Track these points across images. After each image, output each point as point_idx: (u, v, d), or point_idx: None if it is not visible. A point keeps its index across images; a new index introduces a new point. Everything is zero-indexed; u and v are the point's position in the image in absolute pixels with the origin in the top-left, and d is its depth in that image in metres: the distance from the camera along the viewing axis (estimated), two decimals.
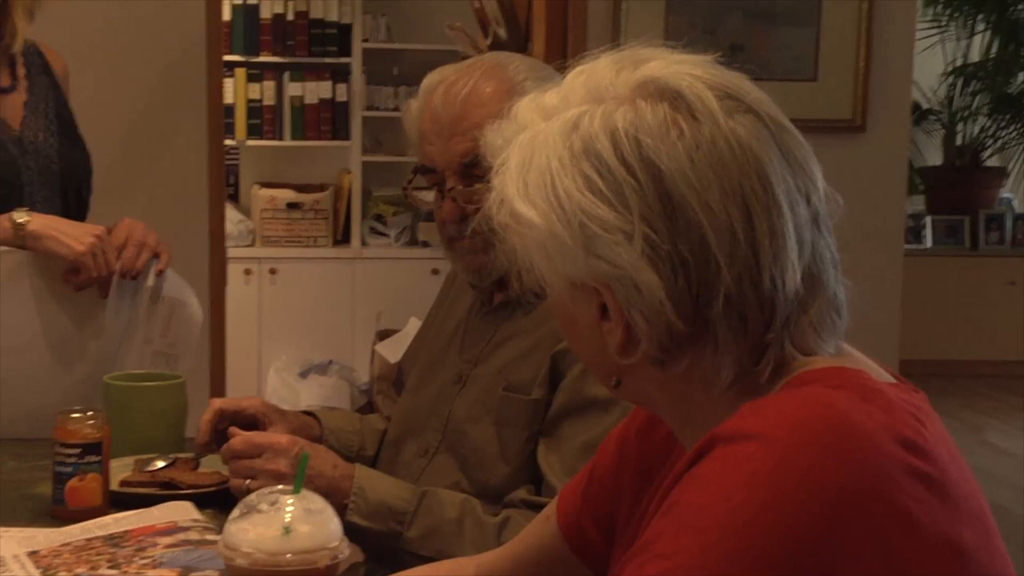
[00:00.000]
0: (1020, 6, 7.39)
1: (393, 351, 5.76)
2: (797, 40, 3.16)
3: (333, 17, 6.06)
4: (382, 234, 6.15)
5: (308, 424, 2.00)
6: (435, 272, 6.00)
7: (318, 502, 1.22)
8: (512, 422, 1.81)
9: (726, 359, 1.07)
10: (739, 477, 0.97)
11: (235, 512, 1.21)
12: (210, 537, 1.56)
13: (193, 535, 1.56)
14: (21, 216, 2.07)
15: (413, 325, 5.85)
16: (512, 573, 1.38)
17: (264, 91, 6.05)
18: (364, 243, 6.12)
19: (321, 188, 6.12)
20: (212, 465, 1.88)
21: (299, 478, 1.23)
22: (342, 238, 6.14)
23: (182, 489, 1.78)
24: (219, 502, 1.76)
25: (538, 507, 1.72)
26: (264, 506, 1.20)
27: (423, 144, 1.85)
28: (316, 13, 6.05)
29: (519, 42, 3.42)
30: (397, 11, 6.16)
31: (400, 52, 6.17)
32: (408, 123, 1.90)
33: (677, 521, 0.98)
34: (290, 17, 6.04)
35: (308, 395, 5.78)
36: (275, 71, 6.05)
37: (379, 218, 6.17)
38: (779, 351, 1.07)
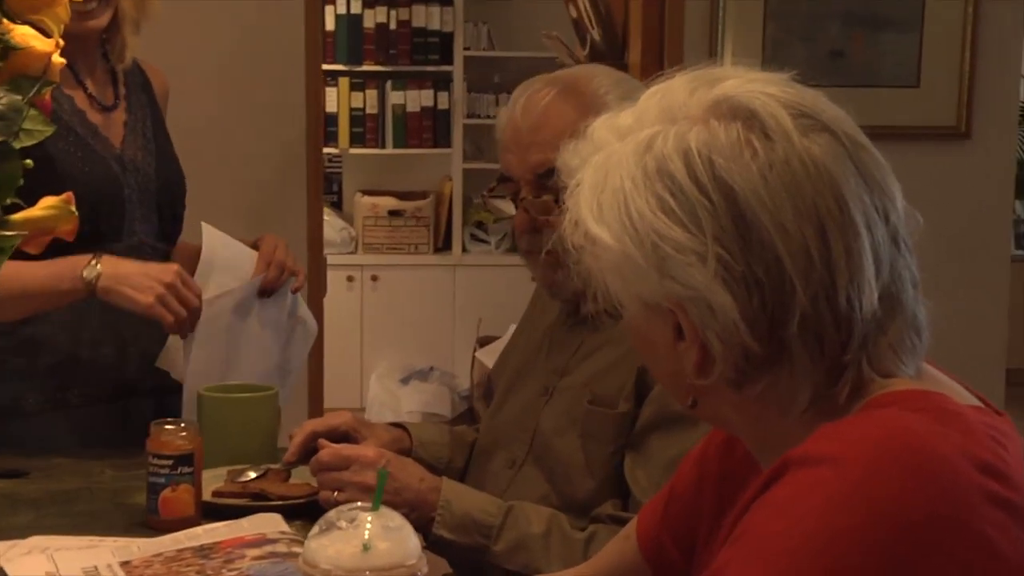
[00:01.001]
0: None
1: (493, 358, 5.76)
2: (899, 45, 3.10)
3: (435, 26, 6.10)
4: (483, 241, 6.17)
5: (398, 437, 2.01)
6: (535, 279, 5.99)
7: (397, 519, 1.22)
8: (598, 435, 1.80)
9: (803, 381, 1.05)
10: (810, 503, 0.95)
11: (315, 528, 1.22)
12: (297, 550, 1.57)
13: (281, 547, 1.58)
14: (90, 271, 2.03)
15: (513, 332, 5.87)
16: None
17: (367, 99, 6.11)
18: (465, 250, 6.15)
19: (423, 195, 6.16)
20: (303, 477, 1.89)
21: (378, 495, 1.23)
22: (443, 245, 6.17)
23: (272, 500, 1.80)
24: (309, 514, 1.77)
25: (624, 522, 1.72)
26: (343, 523, 1.20)
27: (503, 152, 1.87)
28: (418, 22, 6.10)
29: (616, 50, 3.41)
30: (498, 19, 6.18)
31: (501, 60, 6.19)
32: (496, 131, 1.92)
33: (747, 548, 0.97)
34: (393, 26, 6.09)
35: (409, 401, 5.82)
36: (378, 80, 6.10)
37: (480, 225, 6.18)
38: (857, 373, 1.05)
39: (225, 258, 2.20)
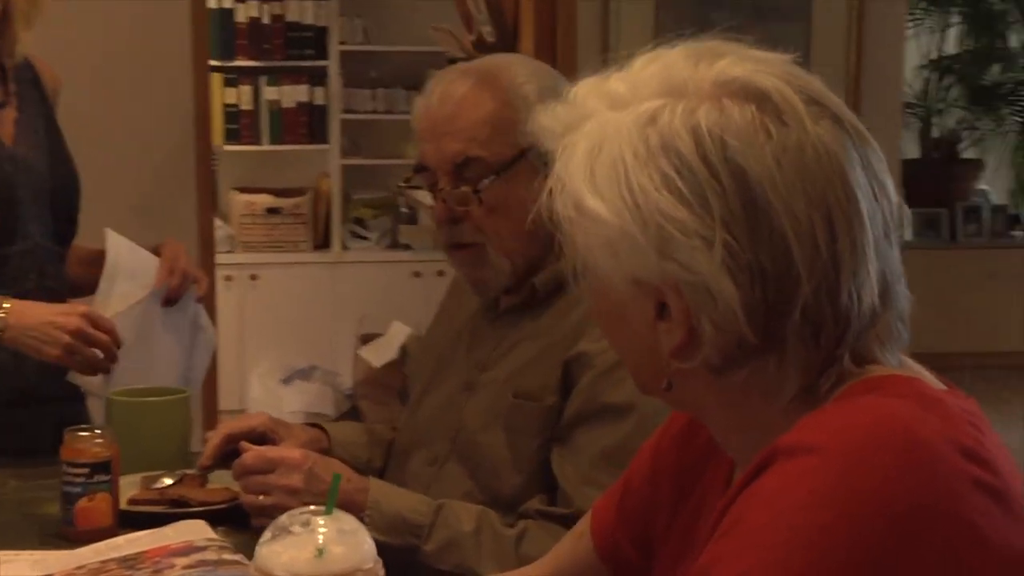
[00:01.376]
0: None
1: (376, 355, 5.72)
2: (787, 36, 3.13)
3: (309, 20, 6.02)
4: (363, 237, 6.11)
5: (316, 438, 1.97)
6: (417, 275, 5.97)
7: (351, 523, 1.18)
8: (524, 430, 1.78)
9: (793, 372, 1.03)
10: (800, 493, 0.94)
11: (266, 535, 1.17)
12: (228, 556, 1.52)
13: (210, 555, 1.53)
14: None
15: (396, 329, 5.81)
16: None
17: (241, 95, 6.01)
18: (345, 247, 6.08)
19: (300, 192, 6.07)
20: (221, 481, 1.84)
21: (331, 498, 1.19)
22: (322, 243, 6.10)
23: (193, 507, 1.74)
24: (231, 520, 1.73)
25: (554, 517, 1.70)
26: (297, 528, 1.16)
27: (420, 142, 1.83)
28: (292, 16, 6.02)
29: (507, 41, 3.39)
30: (374, 13, 6.12)
31: (378, 54, 6.13)
32: (413, 121, 1.89)
33: (738, 541, 0.95)
34: (266, 20, 6.00)
35: (291, 401, 5.73)
36: (251, 75, 6.00)
37: (359, 221, 6.13)
38: (842, 363, 1.04)
39: (129, 266, 2.15)
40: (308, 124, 6.05)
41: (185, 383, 2.20)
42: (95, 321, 1.99)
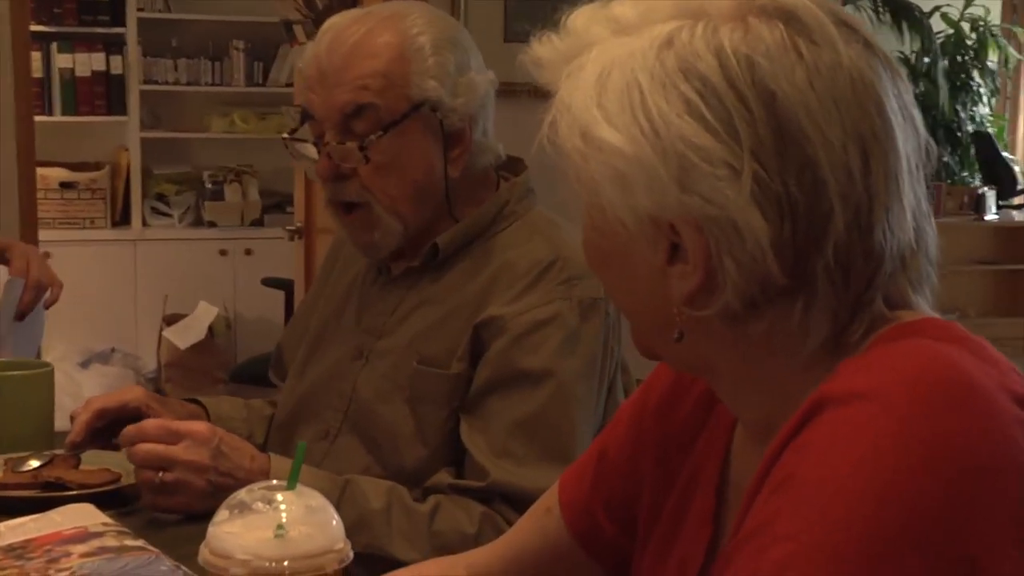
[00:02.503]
0: None
1: (182, 336, 5.49)
2: None
3: None
4: (165, 214, 5.84)
5: (195, 413, 1.82)
6: (223, 253, 5.74)
7: (317, 498, 1.05)
8: (429, 399, 1.66)
9: (821, 316, 0.95)
10: (861, 444, 0.85)
11: (221, 513, 1.03)
12: (129, 543, 1.36)
13: (110, 541, 1.36)
14: None
15: (203, 309, 5.58)
16: (509, 570, 1.23)
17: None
18: (146, 224, 5.80)
19: (97, 167, 5.76)
20: (94, 461, 1.67)
21: (295, 471, 1.05)
22: (121, 219, 5.80)
23: (72, 489, 1.56)
24: (113, 503, 1.56)
25: (468, 492, 1.59)
26: (259, 504, 1.03)
27: (306, 92, 1.70)
28: None
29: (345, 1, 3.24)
30: None
31: (179, 23, 5.87)
32: (300, 69, 1.75)
33: (795, 497, 0.86)
34: None
35: (91, 386, 5.43)
36: (42, 41, 5.64)
37: (161, 198, 5.86)
38: (873, 307, 0.96)
39: None
40: (105, 94, 5.73)
41: None
42: None
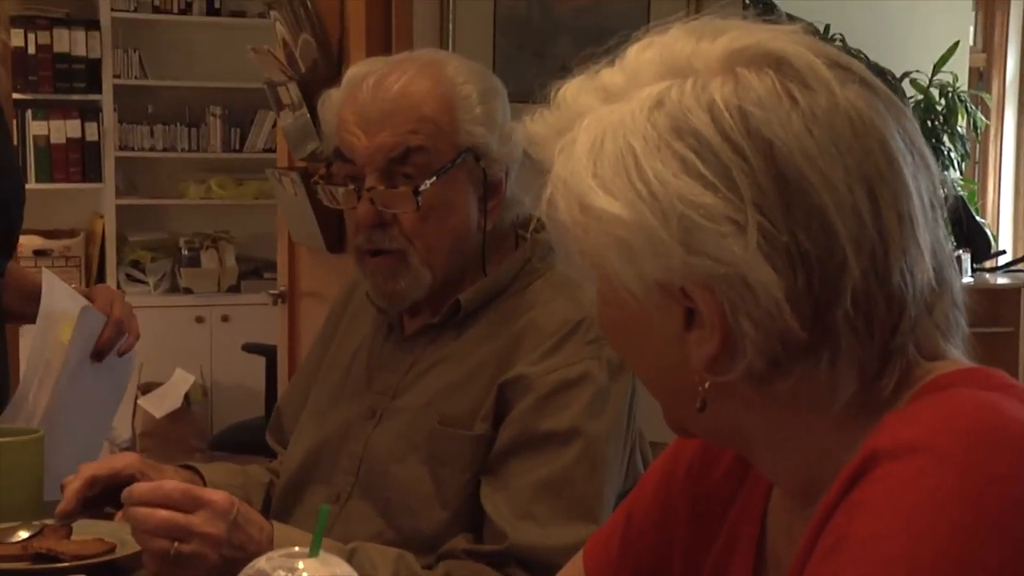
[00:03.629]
0: None
1: (157, 405, 5.41)
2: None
3: (80, 51, 5.67)
4: (141, 281, 5.78)
5: (190, 480, 1.75)
6: (200, 320, 5.67)
7: (343, 567, 1.00)
8: (451, 460, 1.61)
9: (847, 370, 0.92)
10: (917, 497, 0.82)
11: None
12: None
13: None
14: None
15: (179, 376, 5.51)
16: None
17: None
18: (121, 291, 5.73)
19: (71, 234, 5.70)
20: (87, 531, 1.61)
21: (317, 537, 1.01)
22: (93, 286, 5.72)
23: (65, 561, 1.50)
24: (109, 575, 1.50)
25: (483, 556, 1.54)
26: (280, 573, 0.98)
27: (343, 133, 1.65)
28: (61, 47, 5.65)
29: (329, 50, 3.22)
30: (150, 45, 5.82)
31: (155, 89, 5.84)
32: (326, 112, 1.70)
33: (852, 558, 0.83)
34: (32, 50, 5.62)
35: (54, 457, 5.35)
36: (17, 109, 5.60)
37: (136, 264, 5.80)
38: (904, 358, 0.93)
39: (63, 309, 2.02)
40: (80, 161, 5.69)
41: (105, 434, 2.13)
42: None
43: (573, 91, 0.97)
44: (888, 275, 0.90)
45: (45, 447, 1.76)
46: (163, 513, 1.41)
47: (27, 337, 2.35)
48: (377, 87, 1.62)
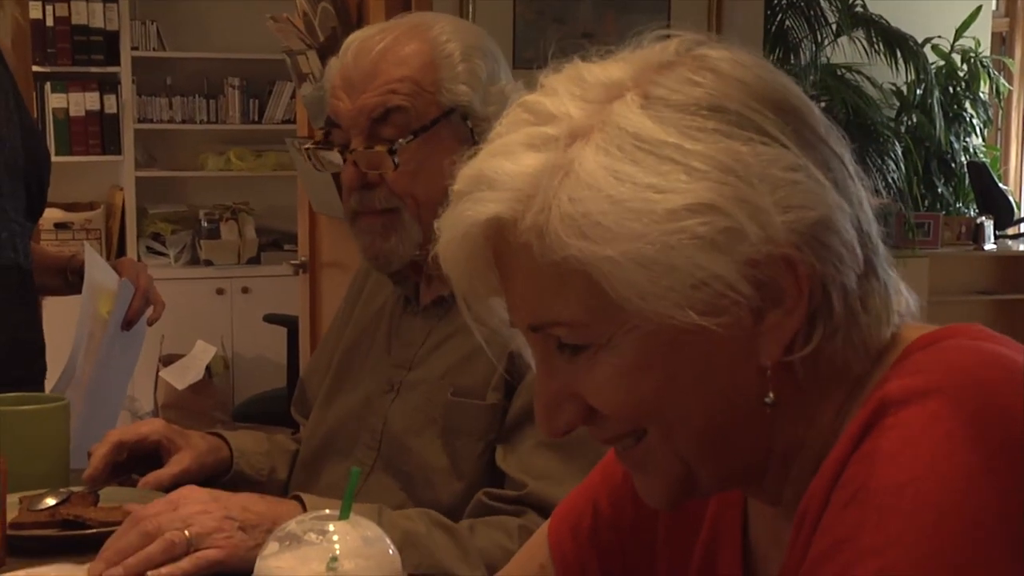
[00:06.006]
0: None
1: (179, 377, 5.40)
2: (647, 27, 3.04)
3: (99, 23, 5.66)
4: (161, 254, 5.78)
5: (216, 446, 1.76)
6: (220, 292, 5.68)
7: (373, 528, 0.99)
8: (465, 430, 1.60)
9: (885, 308, 0.92)
10: (933, 441, 0.81)
11: (272, 545, 0.98)
12: None
13: None
14: None
15: (200, 348, 5.49)
16: None
17: None
18: (142, 262, 5.74)
19: (91, 207, 5.70)
20: (113, 498, 1.60)
21: (347, 500, 1.00)
22: (117, 259, 5.73)
23: (92, 528, 1.50)
24: None
25: (504, 499, 1.53)
26: (312, 536, 0.97)
27: (331, 99, 1.66)
28: (79, 19, 5.64)
29: (348, 28, 3.19)
30: (168, 17, 5.80)
31: (173, 61, 5.83)
32: (324, 83, 1.71)
33: (875, 508, 0.81)
34: (50, 23, 5.61)
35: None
36: (36, 82, 5.59)
37: (157, 237, 5.80)
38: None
39: (101, 281, 2.10)
40: (99, 134, 5.68)
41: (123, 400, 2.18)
42: None
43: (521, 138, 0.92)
44: (860, 207, 0.92)
45: (88, 416, 1.77)
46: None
47: (47, 308, 2.36)
48: (359, 51, 1.62)
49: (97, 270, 2.12)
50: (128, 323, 2.13)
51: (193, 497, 1.44)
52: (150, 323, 2.18)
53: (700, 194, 0.85)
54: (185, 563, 1.36)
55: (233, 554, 1.39)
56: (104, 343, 2.09)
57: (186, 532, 1.39)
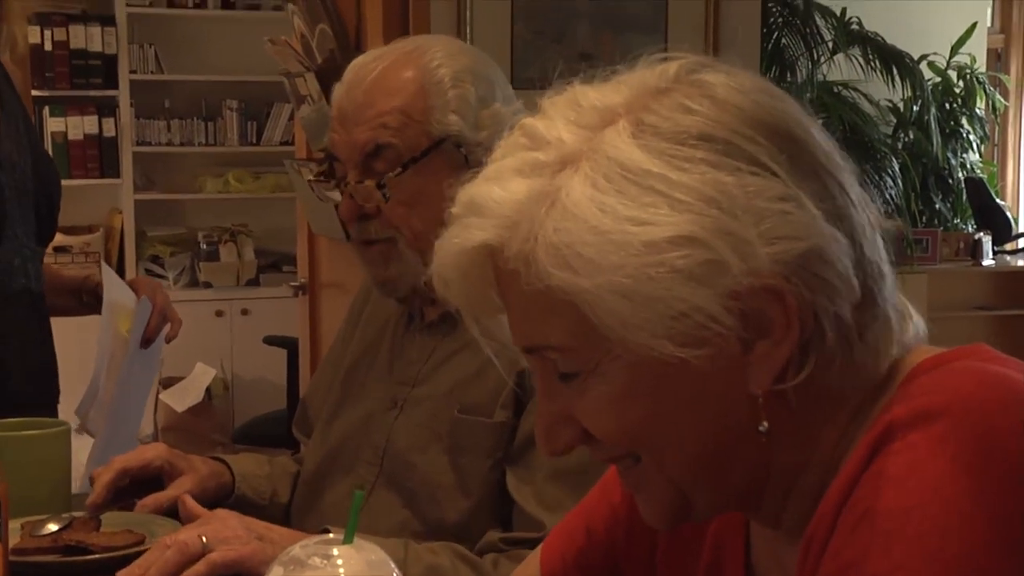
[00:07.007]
0: None
1: (179, 399, 5.42)
2: (644, 47, 3.04)
3: (97, 47, 5.67)
4: (160, 276, 5.78)
5: (218, 471, 1.76)
6: (219, 314, 5.68)
7: (377, 552, 0.99)
8: (472, 449, 1.60)
9: (885, 339, 0.92)
10: (939, 465, 0.81)
11: (276, 570, 0.98)
12: None
13: None
14: None
15: (200, 371, 5.51)
16: None
17: None
18: (157, 280, 5.74)
19: (90, 230, 5.71)
20: (115, 523, 1.60)
21: (351, 523, 1.00)
22: (131, 278, 5.73)
23: (95, 553, 1.50)
24: None
25: (524, 543, 1.52)
26: (315, 560, 0.97)
27: (330, 132, 1.66)
28: (77, 43, 5.65)
29: (347, 42, 3.21)
30: (166, 41, 5.82)
31: (171, 84, 5.84)
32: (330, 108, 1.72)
33: (881, 532, 0.82)
34: (48, 47, 5.62)
35: (86, 449, 5.35)
36: (35, 106, 5.61)
37: (156, 259, 5.81)
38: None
39: (119, 299, 2.10)
40: (98, 157, 5.69)
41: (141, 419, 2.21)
42: None
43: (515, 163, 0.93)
44: (863, 231, 0.91)
45: (110, 436, 1.79)
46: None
47: (57, 327, 2.36)
48: (353, 81, 1.62)
49: (115, 289, 2.13)
50: (147, 341, 2.13)
51: (219, 515, 1.47)
52: (168, 340, 2.17)
53: (681, 227, 0.85)
54: (200, 566, 1.37)
55: (250, 556, 1.40)
56: (125, 362, 2.11)
57: (202, 537, 1.41)
